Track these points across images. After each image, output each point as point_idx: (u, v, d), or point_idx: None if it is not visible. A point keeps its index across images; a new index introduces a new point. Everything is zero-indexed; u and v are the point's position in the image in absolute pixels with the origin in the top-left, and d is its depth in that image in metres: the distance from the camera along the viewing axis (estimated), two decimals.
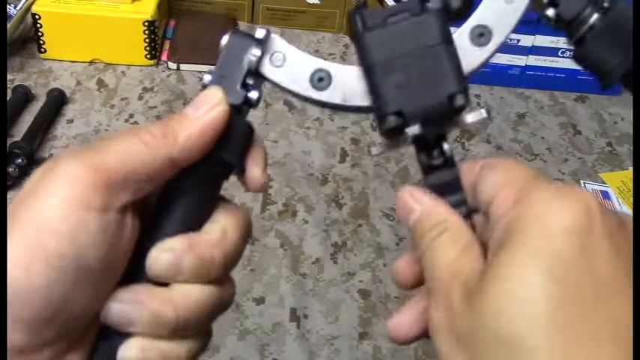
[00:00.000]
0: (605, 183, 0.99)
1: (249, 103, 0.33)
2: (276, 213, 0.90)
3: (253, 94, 0.32)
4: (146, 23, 1.07)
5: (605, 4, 0.32)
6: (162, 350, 0.30)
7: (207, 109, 0.30)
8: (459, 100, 0.30)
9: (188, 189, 0.31)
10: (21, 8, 1.07)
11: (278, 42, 0.33)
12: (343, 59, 1.20)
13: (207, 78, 0.32)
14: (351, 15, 0.32)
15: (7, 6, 1.05)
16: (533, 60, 1.14)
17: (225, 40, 0.32)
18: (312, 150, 1.00)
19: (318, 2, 1.23)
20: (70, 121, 1.00)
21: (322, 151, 1.00)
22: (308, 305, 0.79)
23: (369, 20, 0.31)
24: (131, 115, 1.02)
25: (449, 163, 0.32)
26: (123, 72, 1.10)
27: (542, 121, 1.08)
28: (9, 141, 0.91)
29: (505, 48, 1.14)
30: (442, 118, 0.31)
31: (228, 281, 0.33)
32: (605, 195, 0.97)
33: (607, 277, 0.25)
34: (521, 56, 1.14)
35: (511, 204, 0.27)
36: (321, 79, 0.32)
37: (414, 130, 0.30)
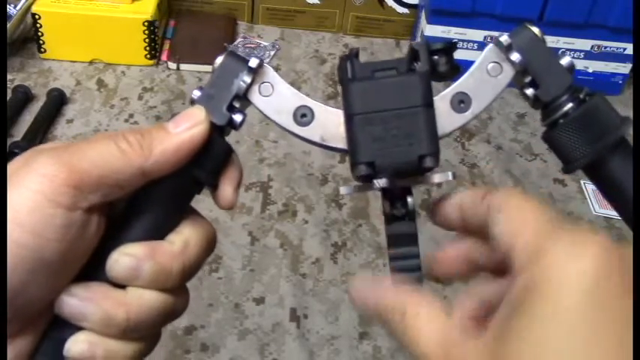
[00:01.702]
0: None
1: (232, 125, 0.34)
2: (276, 213, 0.90)
3: (237, 117, 0.33)
4: (146, 23, 1.07)
5: (582, 96, 0.33)
6: (109, 348, 0.30)
7: (187, 127, 0.31)
8: (429, 163, 0.32)
9: (157, 199, 0.32)
10: (21, 8, 1.07)
11: (269, 73, 0.34)
12: None
13: (197, 94, 0.33)
14: (341, 60, 0.33)
15: (7, 6, 1.05)
16: None
17: (219, 60, 0.34)
18: (312, 150, 1.00)
19: (318, 2, 1.23)
20: (70, 121, 1.00)
21: (322, 151, 0.99)
22: (308, 305, 0.79)
23: (358, 71, 0.33)
24: (131, 115, 1.02)
25: (410, 216, 0.34)
26: (123, 72, 1.10)
27: None
28: (9, 141, 0.91)
29: None
30: (410, 175, 0.32)
31: (184, 291, 0.34)
32: None
33: (623, 325, 0.25)
34: None
35: (530, 257, 0.27)
36: (304, 116, 0.34)
37: (381, 182, 0.32)
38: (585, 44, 1.13)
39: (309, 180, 0.95)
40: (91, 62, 1.10)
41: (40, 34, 1.06)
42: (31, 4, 1.05)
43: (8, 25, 1.04)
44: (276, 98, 0.34)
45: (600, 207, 0.95)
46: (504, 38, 0.33)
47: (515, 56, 0.33)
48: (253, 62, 0.33)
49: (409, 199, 0.34)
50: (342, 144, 0.33)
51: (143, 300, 0.31)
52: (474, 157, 1.03)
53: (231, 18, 1.24)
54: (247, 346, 0.74)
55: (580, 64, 1.14)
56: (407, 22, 1.24)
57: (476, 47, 1.14)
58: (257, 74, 0.33)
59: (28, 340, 0.30)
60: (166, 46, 1.15)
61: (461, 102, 0.33)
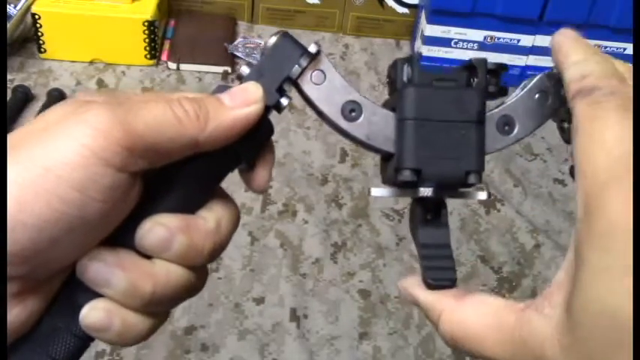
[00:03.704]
0: None
1: (277, 107, 0.33)
2: (276, 213, 0.90)
3: (284, 101, 0.33)
4: (146, 23, 1.07)
5: None
6: (126, 321, 0.29)
7: (244, 103, 0.31)
8: (473, 179, 0.32)
9: (196, 172, 0.31)
10: (21, 8, 1.07)
11: (324, 61, 0.34)
12: (343, 59, 1.20)
13: (246, 70, 0.33)
14: (398, 62, 0.33)
15: (7, 6, 1.05)
16: (533, 60, 1.14)
17: (273, 39, 0.33)
18: (312, 150, 1.00)
19: (318, 2, 1.23)
20: None
21: (322, 151, 1.00)
22: (308, 305, 0.79)
23: (417, 76, 0.33)
24: None
25: (442, 222, 0.34)
26: (123, 72, 1.10)
27: None
28: None
29: (505, 48, 1.14)
30: (451, 188, 0.33)
31: (204, 271, 0.33)
32: None
33: None
34: (521, 56, 1.14)
35: (588, 208, 0.27)
36: (352, 111, 0.33)
37: (427, 191, 0.32)
38: None
39: (309, 180, 0.95)
40: (91, 62, 1.10)
41: (40, 34, 1.06)
42: (31, 4, 1.05)
43: (8, 25, 1.04)
44: (327, 88, 0.33)
45: None
46: (557, 71, 0.34)
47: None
48: (313, 48, 0.33)
49: (443, 211, 0.34)
50: (386, 146, 0.33)
51: (170, 274, 0.30)
52: None
53: (231, 18, 1.24)
54: (247, 346, 0.74)
55: None
56: (407, 22, 1.24)
57: (476, 47, 1.14)
58: (313, 60, 0.33)
59: (40, 300, 0.29)
60: (166, 46, 1.15)
61: (506, 124, 0.34)
